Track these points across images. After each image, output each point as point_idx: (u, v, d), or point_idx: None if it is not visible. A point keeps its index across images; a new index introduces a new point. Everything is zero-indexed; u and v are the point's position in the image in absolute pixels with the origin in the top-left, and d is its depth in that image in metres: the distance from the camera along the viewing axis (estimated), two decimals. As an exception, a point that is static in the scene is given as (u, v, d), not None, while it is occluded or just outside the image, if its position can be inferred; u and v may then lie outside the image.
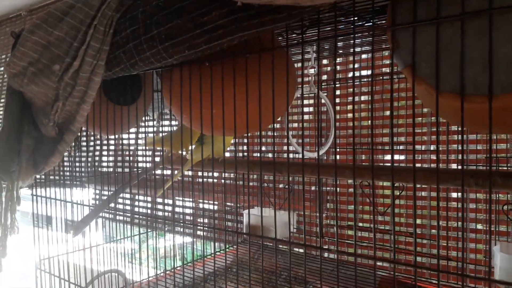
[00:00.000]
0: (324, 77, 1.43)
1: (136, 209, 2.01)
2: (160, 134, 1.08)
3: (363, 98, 1.38)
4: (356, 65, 1.37)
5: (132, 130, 2.05)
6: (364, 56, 1.42)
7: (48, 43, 0.64)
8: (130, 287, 0.84)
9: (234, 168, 0.85)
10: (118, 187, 0.75)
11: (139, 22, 0.59)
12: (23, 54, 0.65)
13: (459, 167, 1.14)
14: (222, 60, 0.58)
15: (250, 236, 1.05)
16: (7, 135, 0.73)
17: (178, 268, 1.11)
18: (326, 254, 1.29)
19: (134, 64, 0.61)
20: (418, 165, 1.25)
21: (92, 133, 0.98)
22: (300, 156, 0.62)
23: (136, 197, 1.98)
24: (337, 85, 1.37)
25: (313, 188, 1.44)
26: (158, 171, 1.49)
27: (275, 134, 1.56)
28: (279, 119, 1.51)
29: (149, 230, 1.18)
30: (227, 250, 1.39)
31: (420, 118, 1.32)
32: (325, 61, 1.45)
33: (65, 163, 1.92)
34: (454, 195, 1.24)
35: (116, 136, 1.94)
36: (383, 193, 1.34)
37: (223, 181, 1.74)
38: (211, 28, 0.52)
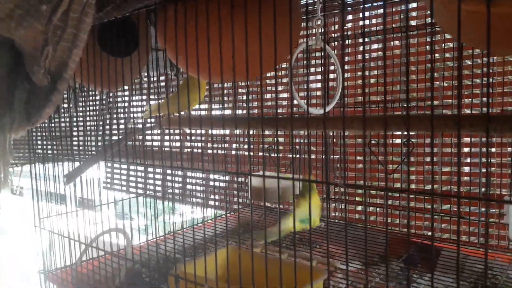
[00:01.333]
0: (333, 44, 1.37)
1: (150, 181, 2.01)
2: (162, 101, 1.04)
3: (373, 63, 1.32)
4: (367, 22, 1.31)
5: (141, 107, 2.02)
6: (374, 21, 1.36)
7: (35, -20, 0.60)
8: (131, 247, 0.82)
9: (234, 126, 0.81)
10: (115, 140, 0.72)
11: (128, -48, 0.55)
12: (8, -5, 0.61)
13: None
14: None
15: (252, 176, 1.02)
16: (-2, 87, 0.70)
17: (180, 231, 1.09)
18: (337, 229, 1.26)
19: (124, 0, 0.57)
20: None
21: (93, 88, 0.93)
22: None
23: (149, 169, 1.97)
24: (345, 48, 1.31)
25: (320, 156, 1.40)
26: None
27: (279, 89, 1.51)
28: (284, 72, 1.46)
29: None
30: (228, 214, 1.37)
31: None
32: (334, 27, 1.39)
33: (75, 138, 1.92)
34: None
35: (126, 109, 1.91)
36: (393, 159, 1.30)
37: (232, 152, 1.71)
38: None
